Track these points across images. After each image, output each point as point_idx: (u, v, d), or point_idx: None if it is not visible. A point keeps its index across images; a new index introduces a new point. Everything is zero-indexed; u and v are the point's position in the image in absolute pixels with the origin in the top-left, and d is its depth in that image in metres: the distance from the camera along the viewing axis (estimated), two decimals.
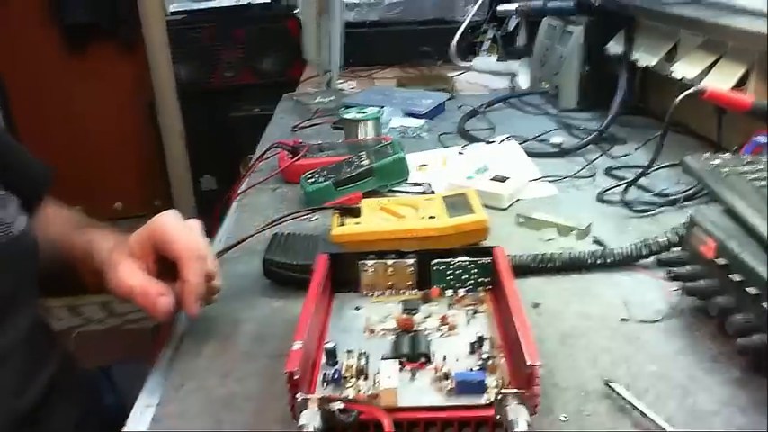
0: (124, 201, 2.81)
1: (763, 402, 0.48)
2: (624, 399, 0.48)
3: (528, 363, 0.44)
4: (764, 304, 0.48)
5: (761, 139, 0.76)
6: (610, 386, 0.49)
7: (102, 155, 2.78)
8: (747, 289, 0.50)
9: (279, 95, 1.57)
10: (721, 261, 0.54)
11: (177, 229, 0.58)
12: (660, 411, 0.47)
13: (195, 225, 0.61)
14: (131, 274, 0.57)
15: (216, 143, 2.44)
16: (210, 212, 0.93)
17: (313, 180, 0.87)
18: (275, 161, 1.00)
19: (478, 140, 1.11)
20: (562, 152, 1.03)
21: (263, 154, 1.03)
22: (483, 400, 0.47)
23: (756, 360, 0.49)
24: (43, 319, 0.72)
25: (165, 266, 0.58)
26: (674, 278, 0.59)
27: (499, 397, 0.44)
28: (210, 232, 0.79)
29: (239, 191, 0.95)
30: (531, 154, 1.03)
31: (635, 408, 0.47)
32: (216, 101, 2.49)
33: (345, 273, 0.62)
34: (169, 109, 2.60)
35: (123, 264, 0.57)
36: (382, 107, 1.16)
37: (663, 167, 0.89)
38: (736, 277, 0.52)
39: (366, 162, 0.88)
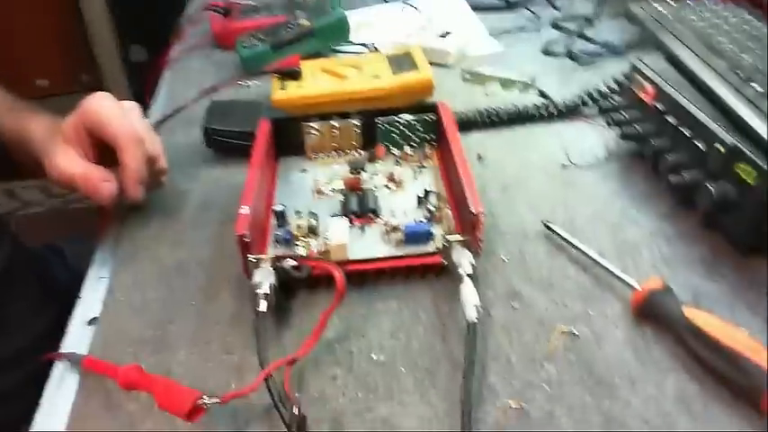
0: (48, 77, 2.61)
1: (687, 233, 0.51)
2: (561, 237, 0.50)
3: (472, 211, 0.46)
4: (697, 143, 0.49)
5: None
6: (548, 226, 0.52)
7: (13, 27, 2.54)
8: (682, 130, 0.52)
9: None
10: (659, 105, 0.55)
11: (111, 112, 0.54)
12: (593, 246, 0.50)
13: (131, 107, 0.57)
14: (70, 162, 0.53)
15: (140, 9, 2.26)
16: (143, 85, 0.89)
17: (249, 44, 0.83)
18: (207, 25, 0.94)
19: None
20: (508, 5, 1.00)
21: (193, 17, 0.96)
22: (430, 248, 0.48)
23: (685, 194, 0.52)
24: None
25: (105, 151, 0.55)
26: (613, 124, 0.60)
27: (445, 243, 0.46)
28: (145, 106, 0.76)
29: (171, 58, 0.90)
30: (476, 8, 1.00)
31: (570, 244, 0.50)
32: None
33: (289, 137, 0.61)
34: None
35: (60, 152, 0.54)
36: None
37: (607, 18, 0.88)
38: (671, 120, 0.53)
39: (305, 22, 0.84)
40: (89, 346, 0.46)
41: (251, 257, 0.46)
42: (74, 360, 0.44)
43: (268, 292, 0.44)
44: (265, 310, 0.43)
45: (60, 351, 0.46)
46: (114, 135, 0.53)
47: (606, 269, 0.46)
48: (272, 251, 0.50)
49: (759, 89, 0.48)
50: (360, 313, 0.46)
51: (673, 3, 0.66)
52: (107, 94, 0.55)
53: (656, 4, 0.65)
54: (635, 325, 0.43)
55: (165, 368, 0.43)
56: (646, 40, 0.81)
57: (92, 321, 0.48)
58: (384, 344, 0.44)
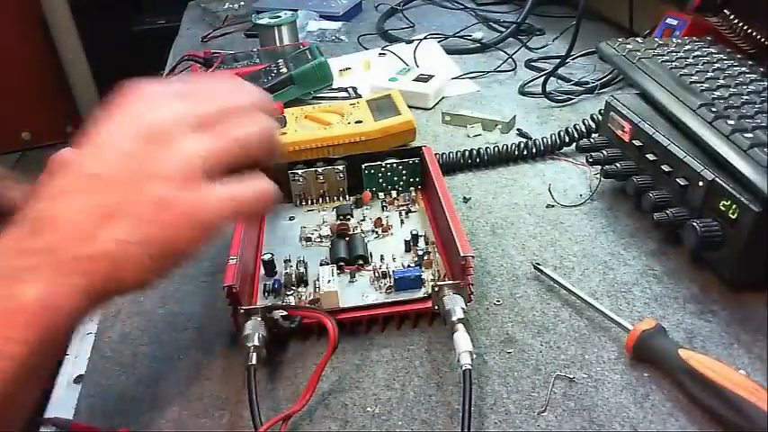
0: (31, 129, 2.61)
1: (675, 271, 0.52)
2: (552, 279, 0.50)
3: (461, 254, 0.46)
4: (678, 180, 0.50)
5: (671, 20, 0.78)
6: (538, 269, 0.52)
7: None
8: (662, 167, 0.53)
9: (184, 4, 1.46)
10: (637, 143, 0.57)
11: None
12: (585, 287, 0.50)
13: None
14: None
15: (122, 61, 2.28)
16: None
17: None
18: (188, 77, 0.94)
19: (399, 40, 1.09)
20: (482, 47, 1.03)
21: (174, 68, 0.97)
22: (421, 293, 0.48)
23: (671, 231, 0.53)
24: None
25: None
26: (594, 163, 0.61)
27: (436, 289, 0.46)
28: None
29: None
30: (451, 51, 1.02)
31: (562, 286, 0.50)
32: (114, 13, 2.30)
33: (275, 184, 0.61)
34: (62, 24, 2.38)
35: None
36: (296, 10, 1.11)
37: (580, 56, 0.91)
38: (651, 157, 0.54)
39: (285, 70, 0.85)
40: (75, 407, 0.44)
41: (240, 309, 0.45)
42: (60, 425, 0.43)
43: (258, 344, 0.43)
44: (256, 363, 0.43)
45: (45, 415, 0.45)
46: None
47: (599, 311, 0.46)
48: (262, 301, 0.50)
49: (732, 123, 0.49)
50: (353, 363, 0.46)
51: (640, 40, 0.68)
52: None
53: (625, 42, 0.67)
54: (632, 368, 0.43)
55: (156, 427, 0.42)
56: (619, 77, 0.84)
57: (78, 379, 0.47)
58: (379, 395, 0.43)
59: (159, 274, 0.33)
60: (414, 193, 0.61)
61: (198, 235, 0.34)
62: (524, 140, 0.71)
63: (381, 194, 0.61)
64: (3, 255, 0.31)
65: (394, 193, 0.61)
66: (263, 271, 0.52)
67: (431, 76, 0.87)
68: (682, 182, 0.50)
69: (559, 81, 0.86)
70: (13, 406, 0.31)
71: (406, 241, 0.54)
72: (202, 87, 0.38)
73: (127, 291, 0.33)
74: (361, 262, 0.52)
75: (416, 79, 0.87)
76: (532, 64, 0.95)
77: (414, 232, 0.53)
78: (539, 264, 0.52)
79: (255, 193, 0.37)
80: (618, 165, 0.58)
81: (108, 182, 0.32)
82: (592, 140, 0.63)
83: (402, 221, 0.58)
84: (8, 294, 0.30)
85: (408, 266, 0.51)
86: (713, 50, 0.64)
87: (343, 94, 0.87)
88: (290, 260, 0.53)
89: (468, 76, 0.93)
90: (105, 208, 0.32)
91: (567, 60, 0.82)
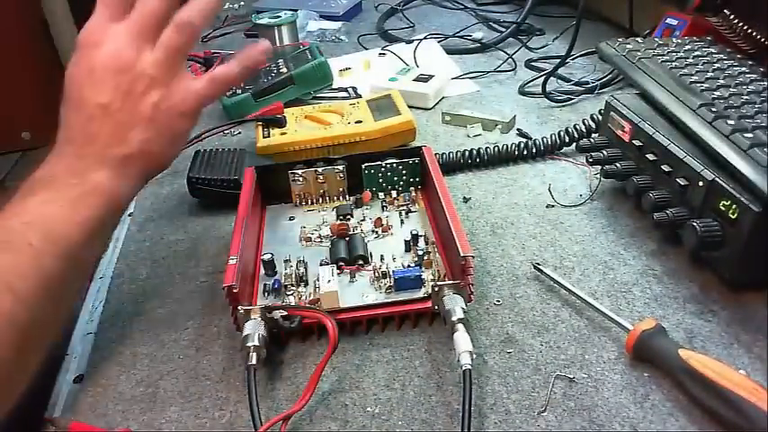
0: (31, 129, 2.60)
1: (675, 270, 0.52)
2: (552, 279, 0.50)
3: (461, 254, 0.46)
4: (678, 179, 0.50)
5: (671, 20, 0.78)
6: (538, 269, 0.52)
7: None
8: (662, 167, 0.53)
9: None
10: (637, 143, 0.57)
11: None
12: (585, 287, 0.50)
13: None
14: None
15: None
16: None
17: (231, 92, 0.83)
18: None
19: (399, 40, 1.09)
20: (482, 47, 1.03)
21: None
22: (421, 293, 0.48)
23: (670, 231, 0.53)
24: None
25: None
26: (594, 163, 0.61)
27: (436, 289, 0.46)
28: None
29: None
30: (451, 51, 1.02)
31: (562, 286, 0.50)
32: None
33: (275, 185, 0.61)
34: (62, 24, 2.37)
35: None
36: (296, 10, 1.11)
37: (580, 56, 0.91)
38: (651, 157, 0.54)
39: (285, 70, 0.85)
40: (76, 406, 0.44)
41: (240, 309, 0.45)
42: (60, 426, 0.43)
43: (258, 344, 0.43)
44: (256, 363, 0.43)
45: (46, 414, 0.44)
46: None
47: (599, 311, 0.46)
48: (261, 301, 0.50)
49: (732, 123, 0.49)
50: (353, 363, 0.46)
51: (640, 40, 0.68)
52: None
53: (625, 42, 0.67)
54: (632, 368, 0.43)
55: (156, 427, 0.42)
56: (618, 76, 0.84)
57: (78, 379, 0.47)
58: (379, 395, 0.43)
59: (175, 151, 0.47)
60: (414, 193, 0.61)
61: (190, 119, 0.47)
62: (524, 140, 0.71)
63: (381, 194, 0.61)
64: (68, 160, 0.43)
65: (394, 193, 0.61)
66: (263, 271, 0.52)
67: (431, 76, 0.87)
68: (682, 182, 0.50)
69: (559, 81, 0.86)
70: (66, 292, 0.40)
71: (406, 241, 0.54)
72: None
73: (159, 169, 0.47)
74: (361, 262, 0.52)
75: (416, 79, 0.87)
76: (532, 64, 0.95)
77: (414, 232, 0.53)
78: (539, 264, 0.52)
79: (224, 70, 0.48)
80: (618, 165, 0.58)
81: (115, 107, 0.44)
82: (592, 140, 0.63)
83: (402, 221, 0.58)
84: (83, 181, 0.42)
85: (408, 266, 0.51)
86: (713, 50, 0.64)
87: (343, 94, 0.87)
88: (290, 260, 0.53)
89: (468, 76, 0.93)
90: (123, 123, 0.44)
91: (567, 60, 0.82)
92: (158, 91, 0.44)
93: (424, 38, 1.06)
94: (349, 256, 0.52)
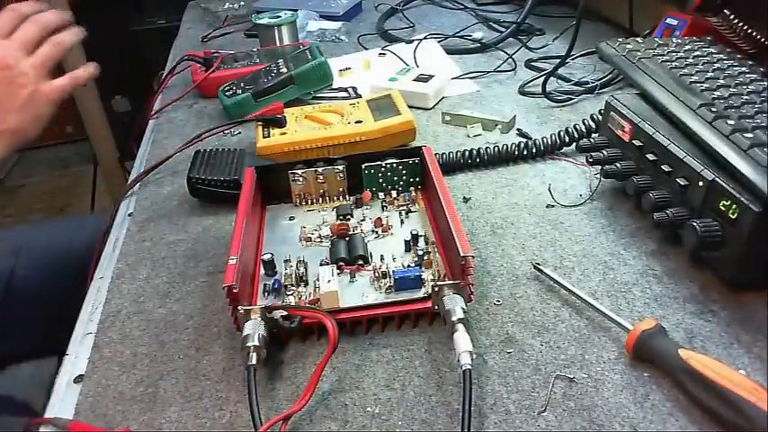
0: None
1: (675, 270, 0.52)
2: (552, 279, 0.50)
3: (461, 254, 0.46)
4: (678, 179, 0.50)
5: (671, 20, 0.78)
6: (538, 268, 0.52)
7: None
8: (662, 167, 0.53)
9: (184, 4, 1.46)
10: (637, 143, 0.57)
11: None
12: (585, 287, 0.50)
13: None
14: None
15: (122, 61, 2.28)
16: (127, 135, 0.89)
17: (231, 92, 0.83)
18: (188, 75, 0.94)
19: (399, 40, 1.09)
20: (482, 47, 1.03)
21: (174, 68, 0.97)
22: (421, 293, 0.48)
23: (670, 231, 0.53)
24: None
25: None
26: (594, 163, 0.61)
27: (436, 289, 0.46)
28: (130, 156, 0.75)
29: (154, 109, 0.90)
30: (451, 51, 1.02)
31: (562, 286, 0.50)
32: (114, 13, 2.29)
33: (275, 184, 0.61)
34: None
35: None
36: (296, 10, 1.11)
37: (580, 56, 0.91)
38: (651, 157, 0.54)
39: (285, 70, 0.85)
40: (76, 406, 0.44)
41: (240, 309, 0.45)
42: (60, 425, 0.43)
43: (258, 344, 0.43)
44: (256, 363, 0.43)
45: (45, 414, 0.44)
46: None
47: (599, 311, 0.46)
48: (261, 301, 0.50)
49: (732, 123, 0.49)
50: (353, 363, 0.46)
51: (640, 40, 0.68)
52: None
53: (625, 42, 0.67)
54: (632, 368, 0.43)
55: (156, 427, 0.42)
56: (619, 77, 0.84)
57: (78, 379, 0.47)
58: (379, 395, 0.43)
59: (38, 130, 0.66)
60: (414, 193, 0.61)
61: (53, 106, 0.66)
62: (524, 140, 0.71)
63: (381, 194, 0.61)
64: None
65: (394, 193, 0.61)
66: (263, 271, 0.52)
67: (431, 76, 0.87)
68: (682, 182, 0.50)
69: (559, 81, 0.86)
70: None
71: (406, 241, 0.54)
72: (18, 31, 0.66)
73: (25, 144, 0.65)
74: (361, 262, 0.52)
75: (416, 79, 0.87)
76: (532, 64, 0.95)
77: (414, 232, 0.53)
78: (539, 264, 0.52)
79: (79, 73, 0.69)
80: (618, 165, 0.58)
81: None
82: (592, 140, 0.63)
83: (402, 221, 0.58)
84: None
85: (408, 266, 0.51)
86: (713, 50, 0.64)
87: (343, 94, 0.87)
88: (290, 260, 0.53)
89: (468, 76, 0.93)
90: (4, 106, 0.63)
91: (567, 60, 0.82)
92: (33, 85, 0.63)
93: (424, 38, 1.06)
94: (349, 256, 0.52)
